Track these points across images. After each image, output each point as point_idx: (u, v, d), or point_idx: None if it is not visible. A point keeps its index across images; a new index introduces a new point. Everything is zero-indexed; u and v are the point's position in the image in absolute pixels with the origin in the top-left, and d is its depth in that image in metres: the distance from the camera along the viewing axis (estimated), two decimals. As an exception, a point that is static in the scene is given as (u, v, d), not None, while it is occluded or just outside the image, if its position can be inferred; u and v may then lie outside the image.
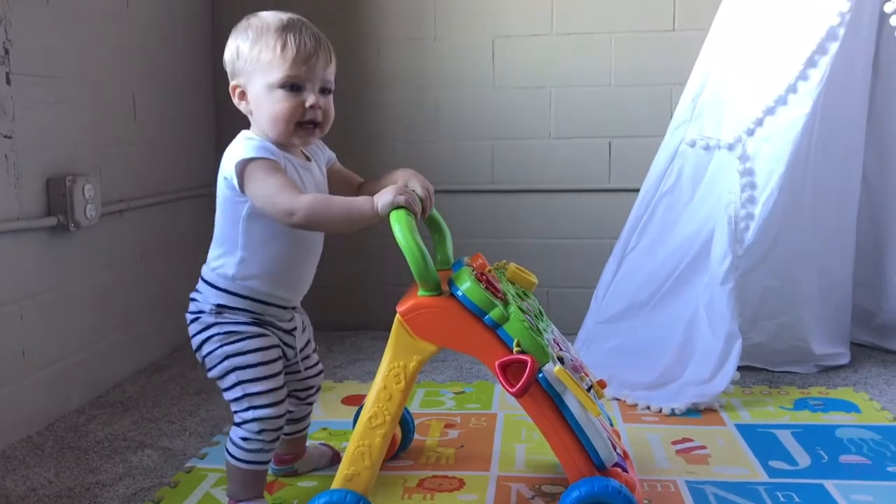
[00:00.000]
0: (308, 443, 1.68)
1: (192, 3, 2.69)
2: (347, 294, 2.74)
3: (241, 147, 1.30)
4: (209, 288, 1.37)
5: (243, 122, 1.41)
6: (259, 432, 1.35)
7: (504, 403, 2.02)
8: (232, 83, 1.35)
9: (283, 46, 1.29)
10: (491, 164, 2.78)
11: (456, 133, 2.77)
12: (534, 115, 2.73)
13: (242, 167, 1.28)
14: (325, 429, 1.88)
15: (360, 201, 1.27)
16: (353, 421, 1.62)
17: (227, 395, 1.38)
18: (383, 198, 1.25)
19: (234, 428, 1.37)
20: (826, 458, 1.68)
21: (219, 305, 1.36)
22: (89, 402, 2.08)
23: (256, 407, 1.35)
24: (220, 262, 1.36)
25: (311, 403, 1.59)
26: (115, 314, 2.22)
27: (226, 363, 1.35)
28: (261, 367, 1.36)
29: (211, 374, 1.39)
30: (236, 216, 1.33)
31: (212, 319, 1.36)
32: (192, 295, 1.40)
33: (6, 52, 1.78)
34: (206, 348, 1.37)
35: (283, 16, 1.33)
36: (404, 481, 1.58)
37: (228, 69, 1.36)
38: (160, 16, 2.48)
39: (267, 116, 1.31)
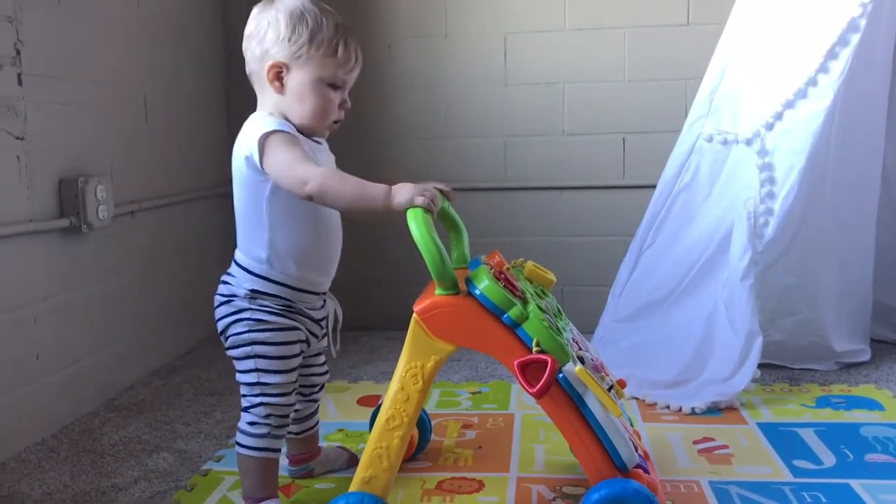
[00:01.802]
0: (324, 444, 1.67)
1: (203, 2, 2.68)
2: (361, 293, 2.71)
3: (261, 123, 1.31)
4: (243, 272, 1.37)
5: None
6: (266, 416, 1.37)
7: (521, 403, 2.00)
8: (272, 62, 1.34)
9: (345, 49, 1.36)
10: (503, 161, 2.75)
11: (468, 131, 2.75)
12: (547, 112, 2.70)
13: (265, 139, 1.28)
14: (341, 430, 1.86)
15: (375, 186, 1.26)
16: (369, 422, 1.61)
17: (241, 378, 1.39)
18: (403, 194, 1.24)
19: (242, 414, 1.39)
20: (851, 456, 1.64)
21: (253, 290, 1.36)
22: (103, 404, 2.07)
23: (267, 394, 1.37)
24: (251, 246, 1.37)
25: (315, 401, 1.58)
26: (127, 316, 2.21)
27: (248, 348, 1.37)
28: (280, 361, 1.37)
29: (230, 353, 1.39)
30: (259, 196, 1.33)
31: (245, 304, 1.37)
32: (224, 278, 1.40)
33: (17, 52, 1.77)
34: (234, 329, 1.37)
35: (330, 10, 1.37)
36: (423, 483, 1.56)
37: (266, 45, 1.34)
38: (171, 15, 2.47)
39: (309, 107, 1.35)
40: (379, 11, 2.73)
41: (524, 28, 2.67)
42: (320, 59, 1.34)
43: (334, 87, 1.36)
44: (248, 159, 1.30)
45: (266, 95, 1.38)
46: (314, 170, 1.26)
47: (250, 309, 1.36)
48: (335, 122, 1.40)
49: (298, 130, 1.35)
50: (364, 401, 2.06)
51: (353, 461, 1.65)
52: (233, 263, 1.40)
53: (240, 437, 1.39)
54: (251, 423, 1.37)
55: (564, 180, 2.72)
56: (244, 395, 1.39)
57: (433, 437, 1.75)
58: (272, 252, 1.35)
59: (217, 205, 2.65)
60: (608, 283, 2.35)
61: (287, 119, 1.35)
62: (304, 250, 1.38)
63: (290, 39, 1.33)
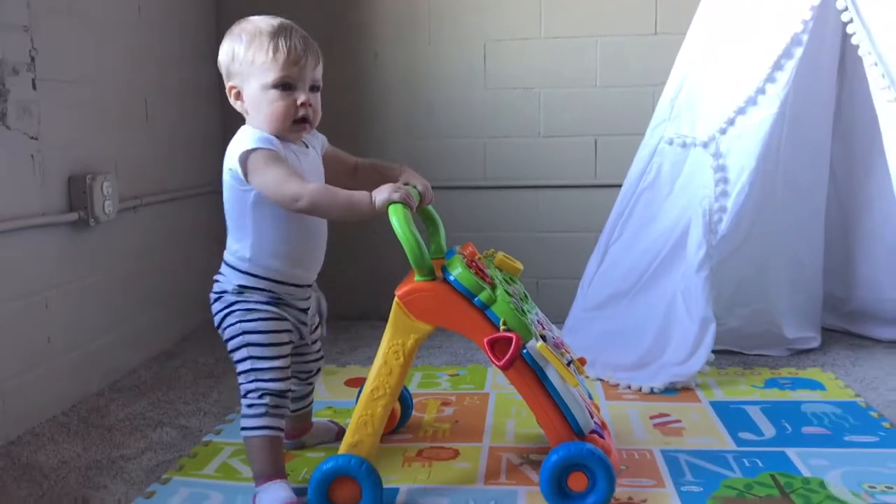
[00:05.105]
0: (315, 419, 1.83)
1: (198, 11, 2.83)
2: (348, 287, 2.88)
3: (243, 139, 1.43)
4: (231, 270, 1.51)
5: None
6: (261, 396, 1.46)
7: (496, 384, 2.16)
8: (228, 84, 1.47)
9: (276, 50, 1.41)
10: (483, 161, 2.91)
11: (449, 132, 2.90)
12: (523, 115, 2.87)
13: (245, 157, 1.40)
14: (330, 407, 2.02)
15: (360, 196, 1.40)
16: (355, 399, 1.77)
17: (238, 367, 1.50)
18: (381, 194, 1.39)
19: (241, 401, 1.49)
20: (790, 429, 1.83)
21: (240, 286, 1.50)
22: (108, 386, 2.22)
23: (261, 380, 1.47)
24: (237, 246, 1.50)
25: (311, 384, 1.73)
26: (129, 304, 2.36)
27: (241, 338, 1.49)
28: (271, 347, 1.49)
29: (228, 346, 1.51)
30: (244, 204, 1.45)
31: (234, 298, 1.50)
32: (216, 277, 1.54)
33: (32, 59, 1.92)
34: (227, 321, 1.51)
35: (273, 20, 1.45)
36: (404, 451, 1.73)
37: (223, 71, 1.48)
38: (169, 22, 2.62)
39: (264, 115, 1.44)
40: (365, 20, 2.88)
41: (503, 36, 2.84)
42: (259, 67, 1.41)
43: (286, 87, 1.42)
44: (232, 172, 1.43)
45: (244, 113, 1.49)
46: (304, 187, 1.38)
47: (239, 301, 1.49)
48: (301, 120, 1.45)
49: (277, 137, 1.43)
50: (351, 382, 2.23)
51: (341, 434, 1.77)
52: (223, 263, 1.53)
53: (242, 422, 1.49)
54: (249, 406, 1.47)
55: (540, 179, 2.88)
56: (241, 384, 1.48)
57: (414, 413, 1.91)
58: (254, 252, 1.47)
59: (212, 200, 2.78)
60: (580, 275, 2.51)
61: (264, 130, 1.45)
62: (287, 250, 1.49)
63: (232, 59, 1.44)
